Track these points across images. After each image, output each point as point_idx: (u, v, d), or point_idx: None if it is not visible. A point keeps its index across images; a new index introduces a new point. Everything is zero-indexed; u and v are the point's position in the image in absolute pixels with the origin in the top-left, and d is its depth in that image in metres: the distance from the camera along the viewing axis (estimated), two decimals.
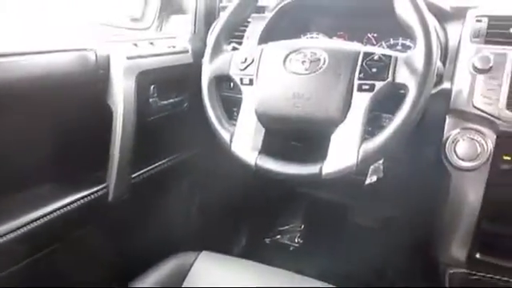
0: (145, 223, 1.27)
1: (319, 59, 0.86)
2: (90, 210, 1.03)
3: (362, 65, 0.82)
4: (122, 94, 1.01)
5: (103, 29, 1.35)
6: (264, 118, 0.89)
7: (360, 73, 0.82)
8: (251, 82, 0.91)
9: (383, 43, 1.14)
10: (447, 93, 0.95)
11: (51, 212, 0.95)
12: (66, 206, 0.98)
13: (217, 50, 0.96)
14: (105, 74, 1.01)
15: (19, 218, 0.89)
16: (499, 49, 0.91)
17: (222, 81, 0.98)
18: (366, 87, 0.81)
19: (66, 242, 1.01)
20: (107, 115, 1.03)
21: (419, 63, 0.78)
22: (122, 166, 1.05)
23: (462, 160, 0.92)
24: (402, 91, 0.80)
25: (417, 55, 0.79)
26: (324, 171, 0.81)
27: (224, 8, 1.00)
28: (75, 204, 1.00)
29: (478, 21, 0.96)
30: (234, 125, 0.92)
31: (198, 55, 1.04)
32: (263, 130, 0.89)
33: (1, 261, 0.87)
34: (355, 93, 0.81)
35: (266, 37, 1.10)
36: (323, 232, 1.62)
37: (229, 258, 0.96)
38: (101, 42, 1.03)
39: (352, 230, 1.56)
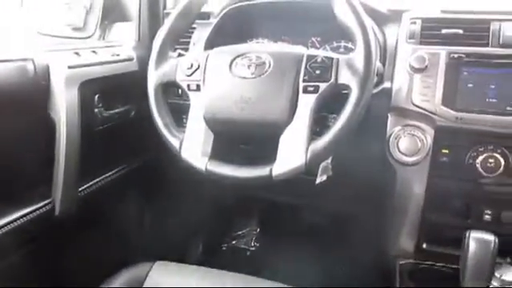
0: (96, 236, 1.23)
1: (264, 63, 0.87)
2: (36, 227, 0.99)
3: (306, 67, 0.84)
4: (64, 105, 0.98)
5: (41, 38, 1.30)
6: (213, 123, 0.89)
7: (304, 75, 0.84)
8: (198, 88, 0.91)
9: (327, 46, 1.17)
10: (388, 92, 0.99)
11: None
12: (9, 223, 0.93)
13: (162, 56, 0.96)
14: (46, 85, 0.97)
15: None
16: (433, 49, 0.96)
17: (169, 88, 0.97)
18: (311, 89, 0.83)
19: (12, 261, 0.96)
20: (50, 127, 1.00)
21: (360, 64, 0.81)
22: (68, 179, 1.01)
23: (405, 155, 0.97)
24: (346, 91, 0.83)
25: (357, 57, 0.82)
26: (274, 173, 0.82)
27: (168, 14, 1.00)
28: (19, 221, 0.95)
29: (412, 23, 1.01)
30: (184, 131, 0.92)
31: (144, 63, 1.03)
32: (212, 135, 0.89)
33: None
34: (301, 94, 0.84)
35: (212, 42, 1.11)
36: (278, 234, 1.64)
37: (184, 266, 0.95)
38: (39, 51, 0.99)
39: (306, 229, 1.58)
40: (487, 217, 1.02)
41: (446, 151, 0.98)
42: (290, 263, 1.53)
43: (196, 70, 0.92)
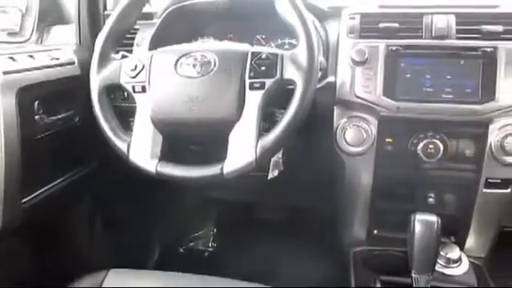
0: (47, 248, 1.18)
1: (210, 62, 0.87)
2: None
3: (251, 64, 0.85)
4: (1, 113, 0.93)
5: None
6: (161, 125, 0.88)
7: (250, 72, 0.85)
8: (144, 90, 0.89)
9: (272, 43, 1.19)
10: (332, 85, 1.02)
11: None
12: None
13: (104, 59, 0.93)
14: None
15: None
16: (372, 42, 1.00)
17: (114, 90, 0.95)
18: (257, 85, 0.84)
19: None
20: None
21: (303, 59, 0.83)
22: (9, 190, 0.96)
23: (352, 146, 1.00)
24: (291, 86, 0.84)
25: (300, 52, 0.84)
26: (225, 171, 0.83)
27: (109, 16, 0.97)
28: None
29: (351, 18, 1.04)
30: (131, 135, 0.90)
31: (86, 66, 0.99)
32: (161, 137, 0.88)
33: None
34: (247, 91, 0.84)
35: (157, 43, 1.09)
36: (236, 233, 1.64)
37: (140, 272, 0.93)
38: None
39: (263, 226, 1.60)
40: (431, 200, 1.08)
41: (390, 140, 1.02)
42: (248, 261, 1.54)
43: (140, 71, 0.90)
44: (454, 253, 1.01)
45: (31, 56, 1.05)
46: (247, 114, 0.84)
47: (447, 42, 0.97)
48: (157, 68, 0.90)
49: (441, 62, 0.96)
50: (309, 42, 0.83)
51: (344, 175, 1.07)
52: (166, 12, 1.14)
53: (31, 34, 1.27)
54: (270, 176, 1.07)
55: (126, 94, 0.95)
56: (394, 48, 0.97)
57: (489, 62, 0.94)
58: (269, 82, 0.84)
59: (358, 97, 0.98)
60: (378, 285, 0.98)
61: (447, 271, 1.00)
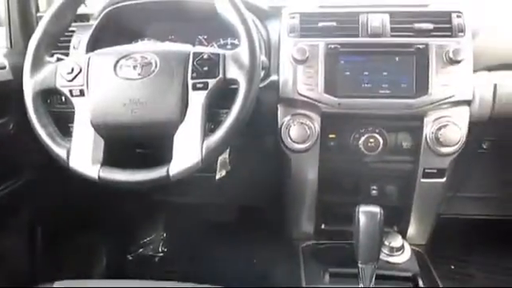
0: None
1: (151, 63, 0.86)
2: None
3: (193, 64, 0.85)
4: None
5: None
6: (102, 129, 0.85)
7: (192, 72, 0.84)
8: (82, 93, 0.86)
9: (214, 44, 1.19)
10: (275, 84, 1.03)
11: None
12: None
13: (38, 62, 0.89)
14: None
15: None
16: (312, 41, 1.02)
17: (50, 95, 0.91)
18: (200, 85, 0.84)
19: None
20: None
21: (245, 58, 0.84)
22: None
23: (296, 143, 1.02)
24: (235, 86, 0.84)
25: (242, 52, 0.85)
26: (171, 173, 0.82)
27: (41, 17, 0.93)
28: None
29: (292, 17, 1.06)
30: (71, 140, 0.87)
31: (18, 71, 0.94)
32: (103, 141, 0.86)
33: None
34: (191, 92, 0.84)
35: (94, 45, 1.06)
36: (186, 236, 1.62)
37: (85, 282, 0.90)
38: None
39: (213, 228, 1.59)
40: (374, 192, 1.13)
41: (333, 136, 1.05)
42: (200, 263, 1.53)
43: (78, 74, 0.87)
44: (397, 241, 1.06)
45: None
46: (191, 115, 0.83)
47: (382, 39, 1.01)
48: (95, 71, 0.87)
49: (377, 59, 1.00)
50: (250, 41, 0.84)
51: (290, 172, 1.09)
52: (103, 13, 1.10)
53: None
54: (218, 176, 1.06)
55: (63, 98, 0.91)
56: (332, 46, 1.00)
57: (421, 58, 0.98)
58: (212, 82, 0.84)
59: (300, 94, 1.00)
60: (327, 277, 1.01)
61: (391, 259, 1.04)
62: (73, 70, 0.87)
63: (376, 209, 0.89)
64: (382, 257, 1.03)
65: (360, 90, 0.99)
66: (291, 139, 1.02)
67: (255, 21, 1.06)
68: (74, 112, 0.88)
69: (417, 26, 1.01)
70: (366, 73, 1.00)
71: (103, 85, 0.86)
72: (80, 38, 1.11)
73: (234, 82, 0.84)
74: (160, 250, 1.64)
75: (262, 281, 1.38)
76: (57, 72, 0.88)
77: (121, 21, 1.13)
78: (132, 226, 1.67)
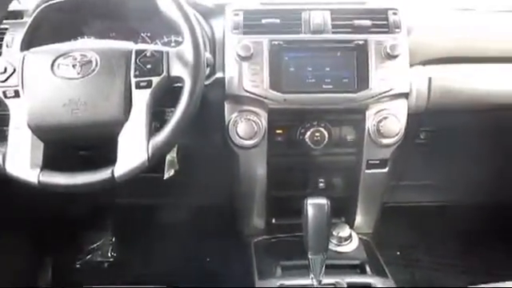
0: None
1: (91, 61, 0.83)
2: None
3: (136, 62, 0.83)
4: None
5: None
6: (40, 131, 0.82)
7: (135, 70, 0.83)
8: (17, 94, 0.82)
9: (158, 41, 1.17)
10: (221, 81, 1.03)
11: None
12: None
13: None
14: None
15: None
16: (256, 37, 1.03)
17: None
18: (144, 84, 0.82)
19: None
20: None
21: (189, 55, 0.83)
22: None
23: (244, 139, 1.02)
24: (179, 84, 0.84)
25: (186, 49, 0.84)
26: (116, 174, 0.80)
27: None
28: None
29: (235, 14, 1.06)
30: (6, 144, 0.82)
31: None
32: (42, 144, 0.82)
33: None
34: (134, 91, 0.82)
35: (30, 43, 1.00)
36: (136, 238, 1.59)
37: None
38: None
39: (165, 229, 1.56)
40: (322, 184, 1.15)
41: (280, 131, 1.07)
42: (152, 266, 1.50)
43: (11, 74, 0.83)
44: (345, 231, 1.10)
45: None
46: (135, 114, 0.81)
47: (324, 36, 1.03)
48: (31, 70, 0.83)
49: (320, 55, 1.03)
50: (193, 38, 0.83)
51: (239, 169, 1.09)
52: (38, 10, 1.05)
53: None
54: (166, 176, 1.05)
55: None
56: (276, 43, 1.01)
57: (361, 53, 1.02)
58: (156, 80, 0.82)
59: (246, 91, 1.01)
60: (279, 270, 1.02)
61: (340, 249, 1.08)
62: (6, 69, 0.83)
63: (323, 200, 0.91)
64: (331, 247, 1.05)
65: (304, 85, 1.01)
66: (239, 136, 1.02)
67: (199, 18, 1.05)
68: (8, 114, 0.83)
69: (356, 22, 1.05)
70: (310, 68, 1.02)
71: (40, 85, 0.82)
72: (13, 35, 1.05)
73: (179, 79, 0.83)
74: (109, 255, 1.59)
75: (215, 279, 1.38)
76: None
77: (57, 18, 1.08)
78: (78, 232, 1.60)
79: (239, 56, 1.01)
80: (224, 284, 1.37)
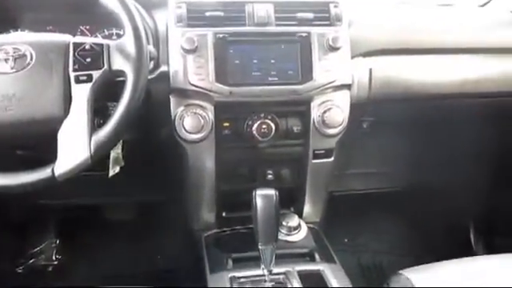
0: None
1: (25, 55, 0.80)
2: None
3: (74, 56, 0.80)
4: None
5: None
6: None
7: (74, 64, 0.80)
8: None
9: (98, 35, 1.13)
10: (166, 75, 1.01)
11: None
12: None
13: None
14: None
15: None
16: (200, 30, 1.02)
17: None
18: (84, 78, 0.80)
19: None
20: None
21: (131, 48, 0.81)
22: None
23: (191, 133, 1.01)
24: (122, 78, 0.81)
25: (127, 41, 0.82)
26: (57, 172, 0.77)
27: None
28: None
29: (178, 7, 1.04)
30: None
31: None
32: None
33: None
34: (73, 85, 0.79)
35: None
36: (82, 239, 1.53)
37: None
38: None
39: (111, 228, 1.52)
40: (270, 176, 1.16)
41: (227, 124, 1.07)
42: (100, 267, 1.46)
43: None
44: (294, 221, 1.12)
45: None
46: (76, 109, 0.79)
47: (268, 28, 1.04)
48: None
49: (265, 47, 1.03)
50: (135, 29, 0.81)
51: (187, 163, 1.08)
52: None
53: None
54: (111, 173, 1.02)
55: None
56: (221, 36, 1.01)
57: (305, 45, 1.04)
58: (96, 74, 0.80)
59: (192, 84, 1.00)
60: (230, 263, 1.03)
61: (289, 238, 1.10)
62: None
63: (271, 191, 0.92)
64: (281, 237, 1.07)
65: (250, 77, 1.02)
66: (186, 130, 1.01)
67: (140, 10, 1.02)
68: None
69: (299, 15, 1.06)
70: (255, 61, 1.02)
71: None
72: None
73: (121, 73, 0.81)
74: (54, 258, 1.53)
75: (167, 276, 1.37)
76: None
77: None
78: (19, 235, 1.52)
79: (183, 49, 0.99)
80: (176, 281, 1.36)
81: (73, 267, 1.50)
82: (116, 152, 1.00)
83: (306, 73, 1.03)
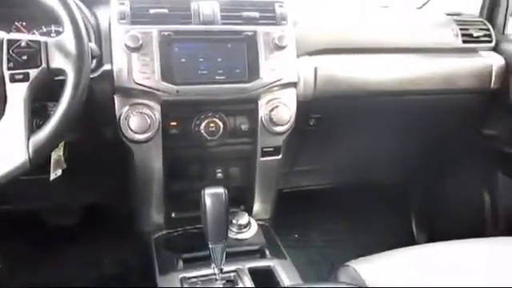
0: None
1: None
2: None
3: (9, 53, 0.76)
4: None
5: None
6: None
7: (9, 62, 0.76)
8: None
9: (35, 31, 1.07)
10: (110, 73, 0.98)
11: None
12: None
13: None
14: None
15: None
16: (145, 28, 0.99)
17: None
18: (20, 77, 0.76)
19: None
20: None
21: (71, 46, 0.78)
22: None
23: (137, 133, 0.99)
24: (62, 77, 0.78)
25: (67, 38, 0.79)
26: None
27: None
28: None
29: (121, 4, 1.01)
30: None
31: None
32: None
33: None
34: (8, 84, 0.75)
35: None
36: (23, 247, 1.45)
37: None
38: None
39: (54, 233, 1.46)
40: (219, 175, 1.17)
41: (175, 123, 1.05)
42: (44, 274, 1.40)
43: None
44: (244, 219, 1.13)
45: None
46: (12, 110, 0.75)
47: (214, 27, 1.04)
48: None
49: (211, 46, 1.03)
50: (75, 26, 0.79)
51: (134, 164, 1.06)
52: None
53: None
54: (53, 176, 0.97)
55: None
56: (166, 33, 0.99)
57: (251, 44, 1.04)
58: (33, 73, 0.76)
59: (137, 83, 0.97)
60: (181, 263, 1.02)
61: (240, 236, 1.10)
62: None
63: (220, 189, 0.91)
64: (232, 235, 1.08)
65: (197, 76, 1.01)
66: (132, 130, 0.98)
67: (80, 6, 0.99)
68: None
69: (245, 14, 1.07)
70: (202, 59, 1.01)
71: None
72: None
73: (61, 71, 0.78)
74: None
75: (116, 280, 1.33)
76: None
77: None
78: None
79: (128, 47, 0.97)
80: (125, 285, 1.32)
81: (14, 275, 1.42)
82: (57, 154, 0.95)
83: (253, 71, 1.04)
